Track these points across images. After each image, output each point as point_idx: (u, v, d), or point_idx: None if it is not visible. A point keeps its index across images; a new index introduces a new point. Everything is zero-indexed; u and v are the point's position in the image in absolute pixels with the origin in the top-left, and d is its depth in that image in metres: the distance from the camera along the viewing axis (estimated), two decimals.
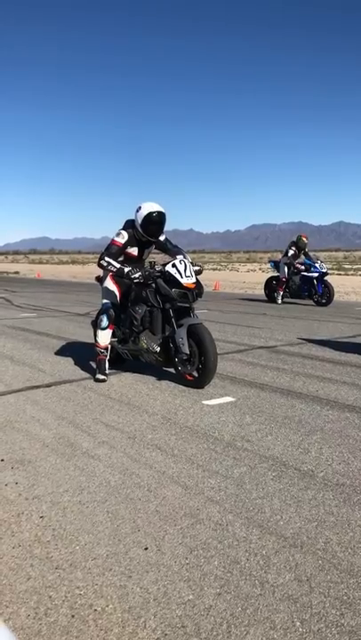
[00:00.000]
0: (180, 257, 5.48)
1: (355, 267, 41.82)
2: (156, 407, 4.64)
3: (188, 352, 5.17)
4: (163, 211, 5.53)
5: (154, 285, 5.39)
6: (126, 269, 5.36)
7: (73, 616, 1.96)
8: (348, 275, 31.11)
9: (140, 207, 5.53)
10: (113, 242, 5.60)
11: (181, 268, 5.29)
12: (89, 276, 27.53)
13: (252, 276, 30.11)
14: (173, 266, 5.31)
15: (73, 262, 73.42)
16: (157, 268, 5.43)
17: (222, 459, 3.46)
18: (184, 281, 5.23)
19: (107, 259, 5.47)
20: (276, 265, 14.99)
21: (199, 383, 5.22)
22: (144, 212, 5.47)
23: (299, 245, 14.21)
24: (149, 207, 5.49)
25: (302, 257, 14.24)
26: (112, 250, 5.54)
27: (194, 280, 5.31)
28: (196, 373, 5.25)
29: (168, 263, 5.38)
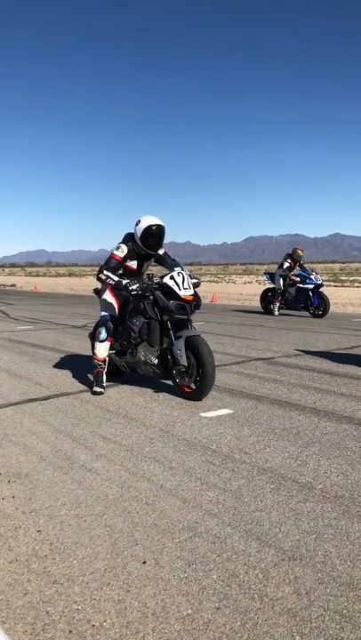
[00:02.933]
0: (178, 269, 5.50)
1: (351, 278, 41.95)
2: (154, 420, 4.63)
3: (186, 364, 5.16)
4: (162, 224, 5.54)
5: (152, 297, 5.39)
6: (124, 282, 5.39)
7: (71, 632, 1.94)
8: (344, 286, 31.20)
9: (139, 220, 5.54)
10: (112, 255, 5.62)
11: (179, 280, 5.31)
12: (86, 289, 27.57)
13: (249, 288, 30.17)
14: (171, 278, 5.32)
15: (70, 275, 73.49)
16: (155, 280, 5.44)
17: (220, 471, 3.45)
18: (182, 293, 5.24)
19: (105, 272, 5.51)
20: (271, 277, 15.13)
21: (197, 395, 5.20)
22: (143, 225, 5.48)
23: (294, 258, 14.31)
24: (149, 220, 5.50)
25: (297, 269, 14.32)
26: (111, 263, 5.57)
27: (192, 292, 5.32)
28: (193, 385, 5.24)
29: (166, 275, 5.39)
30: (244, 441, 4.04)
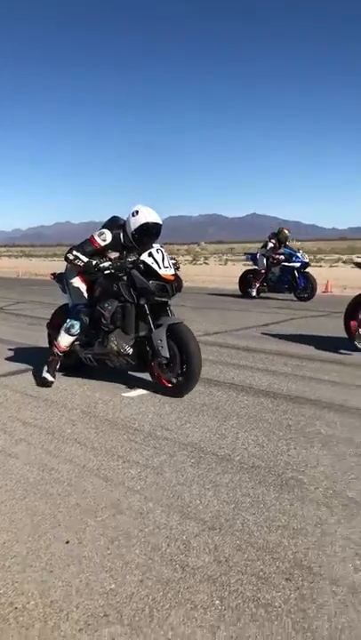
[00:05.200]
0: (156, 246, 4.88)
1: None
2: (75, 401, 4.60)
3: (168, 355, 4.63)
4: (160, 222, 4.92)
5: (125, 278, 4.82)
6: (94, 262, 4.83)
7: None
8: None
9: (136, 211, 4.85)
10: (92, 240, 4.95)
11: (159, 257, 4.75)
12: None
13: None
14: (150, 255, 4.75)
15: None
16: (130, 258, 4.85)
17: (142, 449, 3.49)
18: (163, 272, 4.70)
19: (75, 252, 4.92)
20: (253, 257, 14.23)
21: (180, 390, 4.68)
22: (141, 219, 4.80)
23: (280, 238, 13.57)
24: (147, 215, 4.82)
25: (282, 249, 13.58)
26: (86, 248, 4.93)
27: (173, 271, 4.83)
28: (175, 380, 4.71)
29: (144, 252, 4.80)
30: (165, 418, 4.11)
